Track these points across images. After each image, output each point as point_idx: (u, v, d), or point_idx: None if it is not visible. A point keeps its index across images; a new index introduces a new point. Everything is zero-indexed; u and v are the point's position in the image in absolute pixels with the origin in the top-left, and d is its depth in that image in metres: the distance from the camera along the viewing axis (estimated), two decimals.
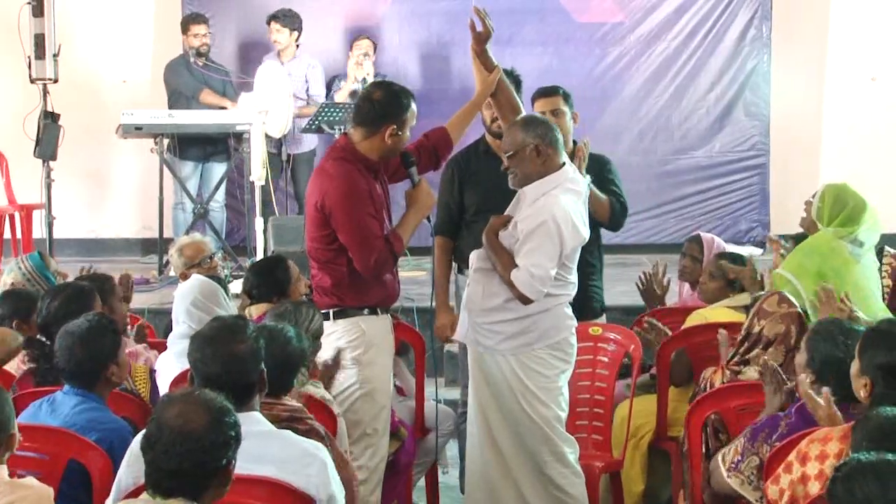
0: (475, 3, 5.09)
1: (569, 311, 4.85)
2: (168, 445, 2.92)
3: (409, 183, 4.98)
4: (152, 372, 5.07)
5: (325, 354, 4.74)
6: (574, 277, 4.84)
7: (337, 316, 4.82)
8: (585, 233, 4.80)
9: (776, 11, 10.52)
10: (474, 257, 4.88)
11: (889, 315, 5.14)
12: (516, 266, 4.66)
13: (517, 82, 5.61)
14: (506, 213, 4.84)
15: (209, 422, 2.95)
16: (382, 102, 4.80)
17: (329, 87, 9.90)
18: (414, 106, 4.87)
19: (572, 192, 4.78)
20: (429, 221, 5.03)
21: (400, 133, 4.80)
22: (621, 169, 6.04)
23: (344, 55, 10.22)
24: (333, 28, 10.54)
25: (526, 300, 4.68)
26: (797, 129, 10.68)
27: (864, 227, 5.32)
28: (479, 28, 4.95)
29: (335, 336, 4.80)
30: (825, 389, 3.76)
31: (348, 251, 4.74)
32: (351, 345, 4.80)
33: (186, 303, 5.20)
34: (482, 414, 4.85)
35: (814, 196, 5.48)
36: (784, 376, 4.28)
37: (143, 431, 3.01)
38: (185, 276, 5.85)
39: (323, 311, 4.76)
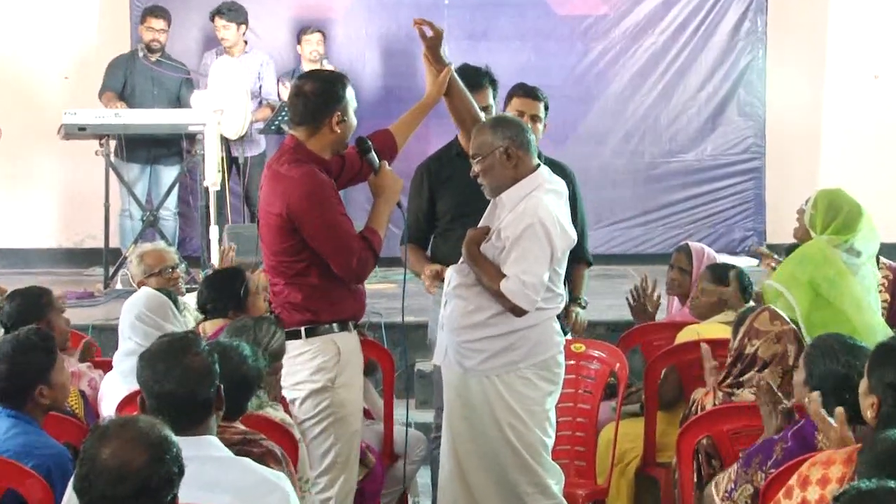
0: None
1: (557, 326, 4.84)
2: (105, 490, 2.80)
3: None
4: (82, 392, 5.05)
5: (298, 376, 4.71)
6: (562, 289, 4.83)
7: (309, 333, 4.76)
8: (573, 234, 4.80)
9: (772, 3, 10.55)
10: (451, 274, 4.83)
11: (888, 330, 5.14)
12: (504, 276, 4.64)
13: (493, 82, 5.60)
14: (483, 224, 4.81)
15: (150, 459, 2.83)
16: (317, 93, 4.75)
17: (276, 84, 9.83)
18: (350, 86, 4.82)
19: (553, 192, 4.77)
20: (399, 207, 4.98)
21: (346, 119, 4.76)
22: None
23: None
24: (297, 21, 10.51)
25: (519, 311, 4.65)
26: (795, 130, 10.71)
27: (860, 234, 5.33)
28: (430, 33, 4.95)
29: (308, 356, 4.74)
30: (839, 409, 3.73)
31: (325, 258, 4.69)
32: (325, 366, 4.75)
33: (131, 316, 5.21)
34: (453, 446, 4.82)
35: (806, 203, 5.48)
36: (780, 395, 4.28)
37: (76, 471, 2.88)
38: (142, 285, 5.82)
39: (293, 329, 4.72)
